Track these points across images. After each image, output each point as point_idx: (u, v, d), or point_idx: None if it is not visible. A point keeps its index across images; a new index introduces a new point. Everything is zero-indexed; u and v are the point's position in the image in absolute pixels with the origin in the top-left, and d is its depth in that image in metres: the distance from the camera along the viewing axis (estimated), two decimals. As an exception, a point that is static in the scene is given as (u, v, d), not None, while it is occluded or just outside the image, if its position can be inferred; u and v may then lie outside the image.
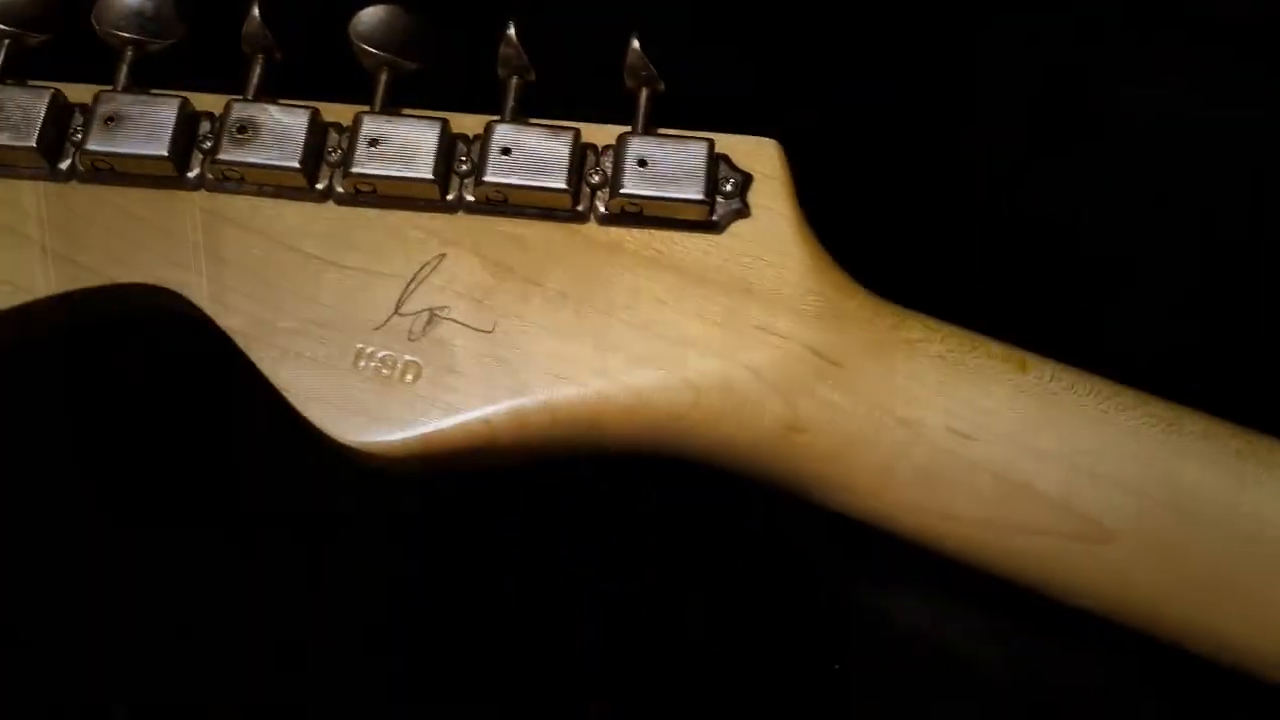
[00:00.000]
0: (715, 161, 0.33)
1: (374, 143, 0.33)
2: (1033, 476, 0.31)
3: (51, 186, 0.33)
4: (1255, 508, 0.31)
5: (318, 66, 0.34)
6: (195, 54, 0.35)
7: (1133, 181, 0.42)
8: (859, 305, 0.33)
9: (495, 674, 0.37)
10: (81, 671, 0.36)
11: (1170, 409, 0.32)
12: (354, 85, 0.34)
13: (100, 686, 0.36)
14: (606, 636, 0.37)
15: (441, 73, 0.35)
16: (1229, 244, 0.41)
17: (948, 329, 0.33)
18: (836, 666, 0.36)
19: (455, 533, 0.38)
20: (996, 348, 0.33)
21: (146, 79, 0.34)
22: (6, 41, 0.34)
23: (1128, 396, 0.32)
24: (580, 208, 0.33)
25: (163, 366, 0.39)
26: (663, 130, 0.33)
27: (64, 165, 0.33)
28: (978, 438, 0.31)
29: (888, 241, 0.41)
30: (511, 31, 0.33)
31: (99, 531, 0.38)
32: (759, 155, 0.34)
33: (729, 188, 0.33)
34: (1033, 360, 0.33)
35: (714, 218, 0.33)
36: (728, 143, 0.34)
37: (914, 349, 0.32)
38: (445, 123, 0.33)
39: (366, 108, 0.34)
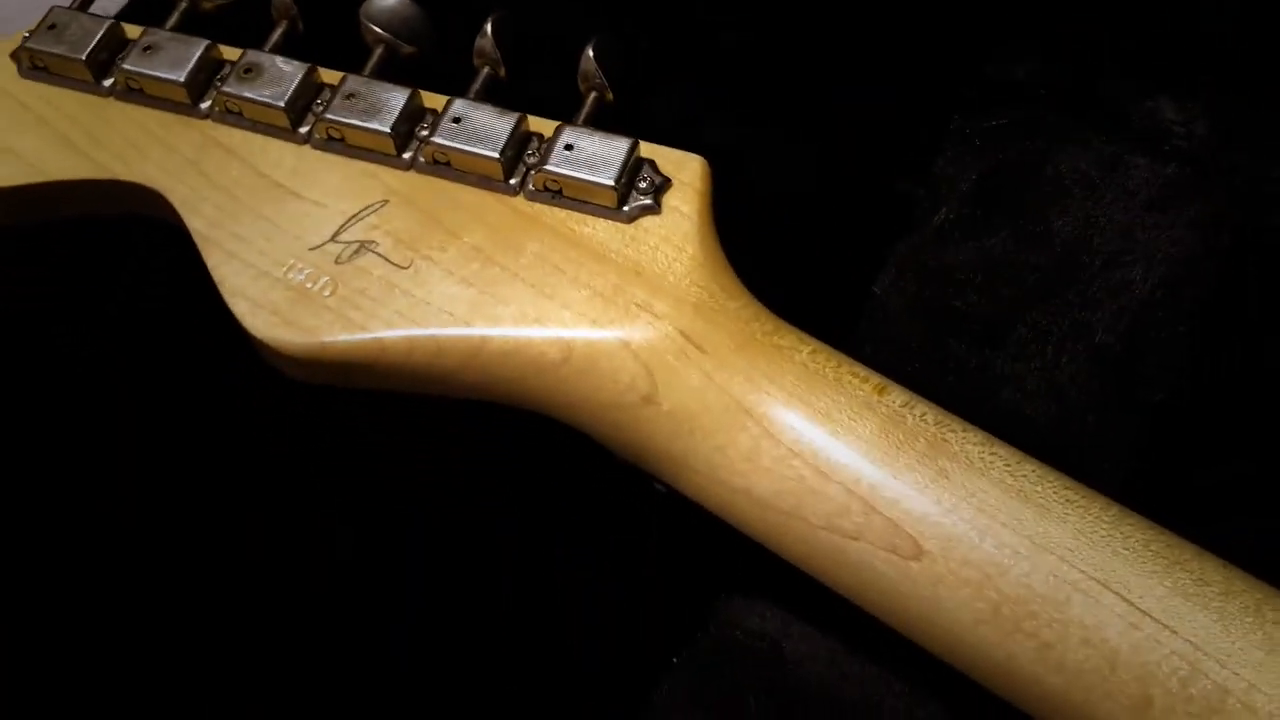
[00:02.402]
0: (636, 160, 0.37)
1: (350, 97, 0.38)
2: (856, 482, 0.32)
3: (91, 98, 0.39)
4: (1067, 550, 0.31)
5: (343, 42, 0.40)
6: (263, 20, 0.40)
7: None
8: (740, 306, 0.35)
9: (493, 674, 0.38)
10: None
11: (1014, 453, 0.33)
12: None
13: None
14: (605, 637, 0.38)
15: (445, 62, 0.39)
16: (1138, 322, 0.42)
17: (818, 344, 0.35)
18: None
19: (454, 533, 0.40)
20: (861, 370, 0.34)
21: (209, 33, 0.40)
22: (92, -18, 0.41)
23: (975, 434, 0.33)
24: (513, 182, 0.37)
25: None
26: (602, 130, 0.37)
27: (107, 83, 0.39)
28: (812, 438, 0.33)
29: (810, 275, 0.43)
30: (489, 26, 0.38)
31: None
32: (684, 166, 0.37)
33: (644, 185, 0.36)
34: (895, 389, 0.34)
35: (624, 208, 0.36)
36: (658, 151, 0.37)
37: (780, 353, 0.34)
38: (415, 92, 0.38)
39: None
